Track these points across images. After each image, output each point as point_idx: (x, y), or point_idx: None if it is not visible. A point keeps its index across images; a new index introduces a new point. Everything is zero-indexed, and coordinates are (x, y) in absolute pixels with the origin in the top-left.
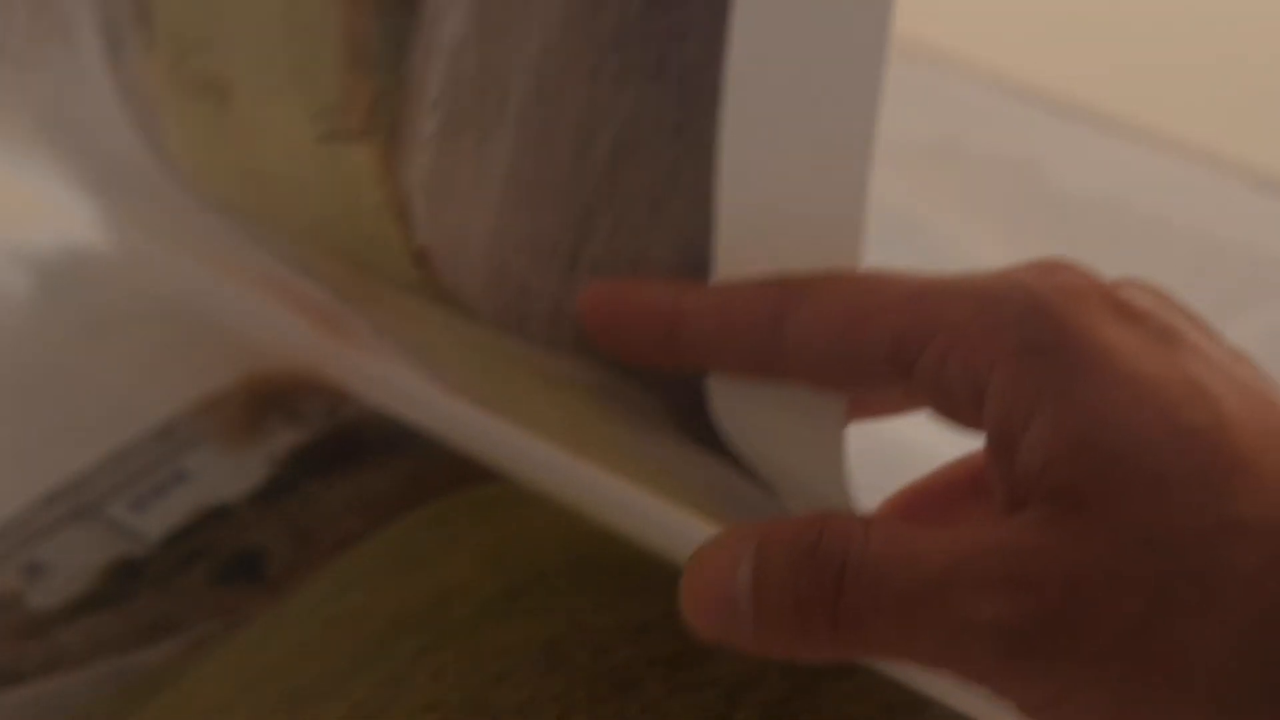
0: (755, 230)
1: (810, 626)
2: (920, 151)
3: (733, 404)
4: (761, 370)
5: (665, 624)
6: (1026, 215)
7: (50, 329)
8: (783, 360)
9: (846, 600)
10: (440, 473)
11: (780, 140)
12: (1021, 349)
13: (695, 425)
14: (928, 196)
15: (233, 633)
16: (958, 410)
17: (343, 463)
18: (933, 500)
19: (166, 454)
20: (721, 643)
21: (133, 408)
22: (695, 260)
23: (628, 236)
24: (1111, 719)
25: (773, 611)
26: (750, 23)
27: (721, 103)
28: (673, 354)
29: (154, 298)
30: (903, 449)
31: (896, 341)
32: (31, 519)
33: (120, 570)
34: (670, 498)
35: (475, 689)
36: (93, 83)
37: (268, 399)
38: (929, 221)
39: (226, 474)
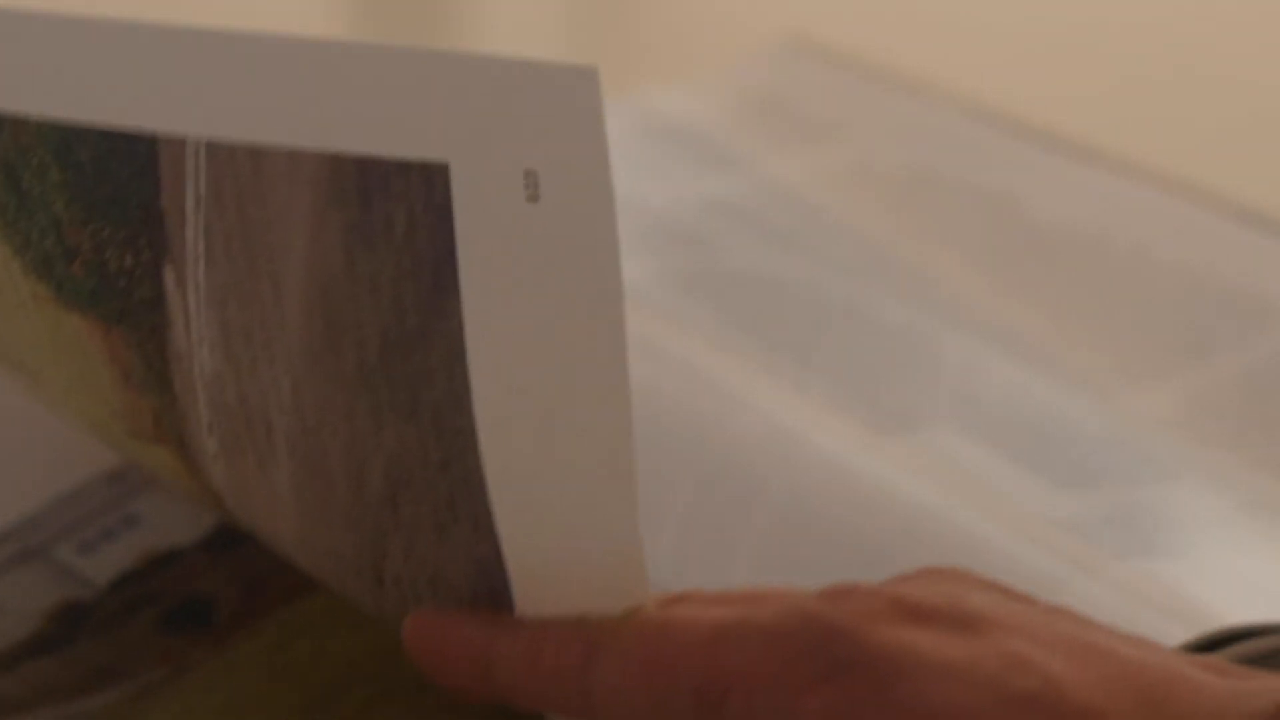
0: (542, 562)
1: None
2: (894, 181)
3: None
4: (573, 716)
5: None
6: (1003, 247)
7: None
8: (591, 711)
9: None
10: None
11: (542, 477)
12: (824, 674)
13: None
14: (901, 227)
15: (178, 681)
16: None
17: None
18: None
19: (116, 498)
20: None
21: (83, 450)
22: (493, 583)
23: (422, 557)
24: None
25: None
26: (487, 366)
27: (479, 442)
28: (489, 693)
29: None
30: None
31: (698, 691)
32: None
33: (66, 614)
34: None
35: None
36: None
37: None
38: (903, 252)
39: (176, 519)
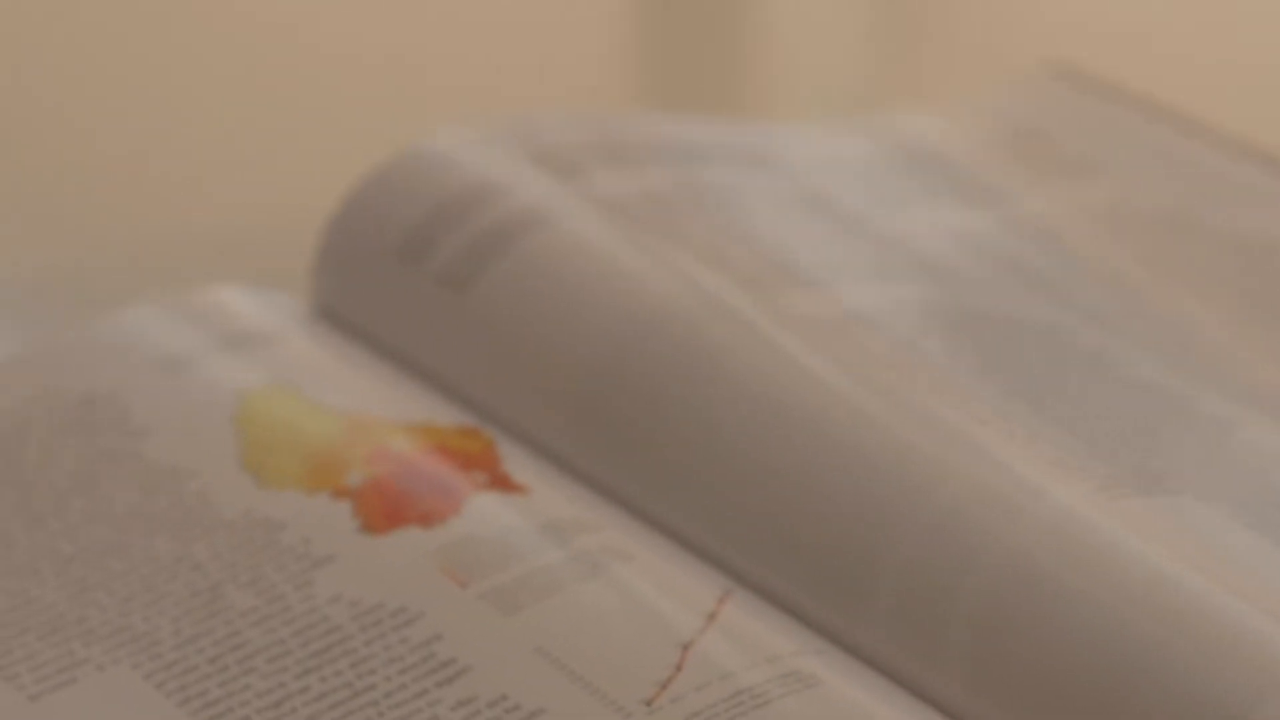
0: None
1: None
2: (1153, 223)
3: None
4: None
5: None
6: (1267, 301)
7: None
8: None
9: None
10: None
11: None
12: None
13: None
14: (1158, 273)
15: None
16: None
17: None
18: None
19: None
20: None
21: None
22: None
23: None
24: None
25: None
26: None
27: None
28: None
29: None
30: None
31: None
32: None
33: None
34: None
35: None
36: None
37: None
38: (1158, 301)
39: None
